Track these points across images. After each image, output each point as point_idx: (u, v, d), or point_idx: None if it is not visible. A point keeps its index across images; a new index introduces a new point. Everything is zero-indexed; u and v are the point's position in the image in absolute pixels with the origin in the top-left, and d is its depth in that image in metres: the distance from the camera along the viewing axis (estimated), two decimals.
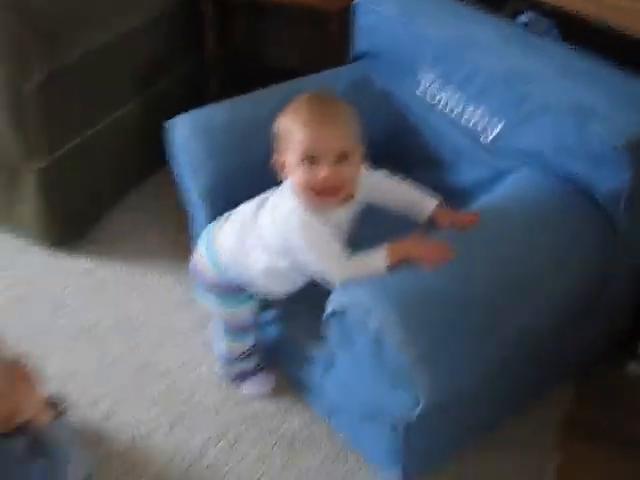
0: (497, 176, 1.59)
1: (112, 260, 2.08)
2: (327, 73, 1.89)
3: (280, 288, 1.50)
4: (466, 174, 1.68)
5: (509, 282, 1.34)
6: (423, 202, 1.44)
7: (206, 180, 1.64)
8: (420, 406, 1.27)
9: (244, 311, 1.57)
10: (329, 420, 1.62)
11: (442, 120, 1.71)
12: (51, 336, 1.84)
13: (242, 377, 1.70)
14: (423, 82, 1.75)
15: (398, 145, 1.81)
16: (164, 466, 1.58)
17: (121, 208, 2.24)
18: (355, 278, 1.30)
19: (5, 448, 1.40)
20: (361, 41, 1.90)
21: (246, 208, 1.48)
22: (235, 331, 1.60)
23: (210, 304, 1.58)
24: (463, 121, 1.67)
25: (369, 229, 1.46)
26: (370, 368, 1.34)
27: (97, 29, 1.99)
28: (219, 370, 1.72)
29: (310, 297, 1.45)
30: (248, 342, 1.64)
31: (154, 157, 1.98)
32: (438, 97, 1.72)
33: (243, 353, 1.65)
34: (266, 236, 1.41)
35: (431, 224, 1.42)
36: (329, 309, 1.33)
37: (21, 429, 1.44)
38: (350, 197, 1.38)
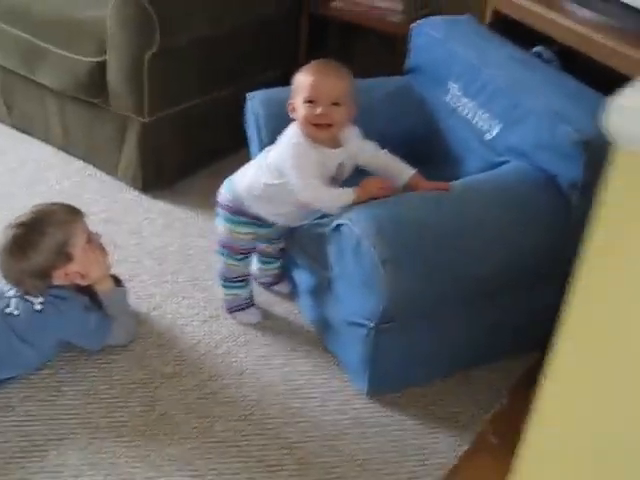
0: (491, 167, 1.98)
1: (186, 207, 2.56)
2: (379, 79, 2.34)
3: (275, 210, 1.91)
4: (470, 165, 2.07)
5: (465, 229, 1.72)
6: (403, 170, 1.87)
7: (264, 137, 2.10)
8: (382, 306, 1.66)
9: (245, 234, 1.98)
10: (322, 337, 2.01)
11: (459, 121, 2.12)
12: (122, 250, 2.31)
13: (237, 308, 2.10)
14: (451, 91, 2.17)
15: (424, 140, 2.22)
16: (186, 349, 2.00)
17: (206, 172, 2.70)
18: (321, 202, 1.75)
19: (77, 298, 1.88)
20: (413, 57, 2.35)
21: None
22: (234, 253, 2.01)
23: (220, 223, 2.00)
24: (474, 123, 2.07)
25: None
26: (352, 276, 1.74)
27: (206, 22, 2.52)
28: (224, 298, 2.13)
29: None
30: (243, 266, 2.04)
31: (241, 136, 2.41)
32: (459, 103, 2.13)
33: (238, 277, 2.06)
34: (270, 157, 1.85)
35: (409, 188, 1.83)
36: (333, 225, 1.74)
37: (87, 288, 1.92)
38: (339, 145, 1.81)
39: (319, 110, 1.75)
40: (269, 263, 2.16)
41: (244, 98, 2.20)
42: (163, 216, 2.52)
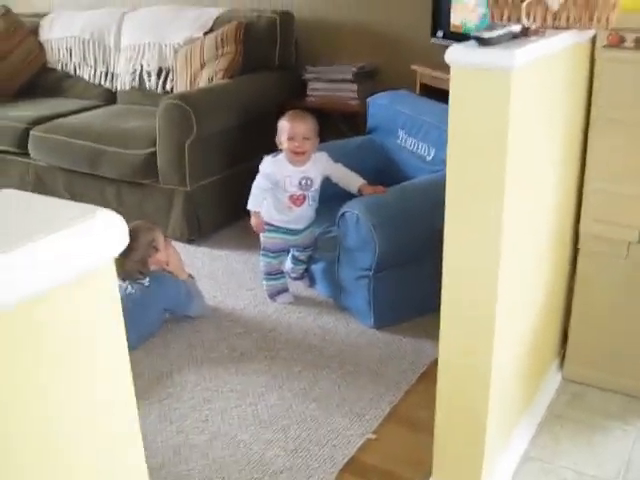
0: None
1: (223, 249, 3.55)
2: (351, 138, 3.43)
3: (280, 217, 2.94)
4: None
5: (419, 205, 2.75)
6: (356, 180, 2.94)
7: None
8: (376, 258, 2.65)
9: (274, 239, 2.99)
10: (338, 299, 2.98)
11: (408, 154, 3.20)
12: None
13: (276, 294, 3.07)
14: (400, 136, 3.25)
15: (386, 169, 3.28)
16: (249, 319, 2.94)
17: (235, 226, 3.72)
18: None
19: (168, 276, 2.84)
20: (370, 120, 3.45)
21: None
22: (270, 252, 3.02)
23: (262, 235, 3.02)
24: (417, 152, 3.14)
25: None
26: (354, 243, 2.73)
27: (232, 115, 3.60)
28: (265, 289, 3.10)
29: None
30: (277, 263, 3.04)
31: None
32: (406, 142, 3.21)
33: (274, 272, 3.04)
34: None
35: (359, 192, 2.89)
36: (340, 212, 2.75)
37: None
38: (307, 162, 2.87)
39: (296, 144, 2.83)
40: (298, 265, 3.13)
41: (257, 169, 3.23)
42: (207, 256, 3.51)
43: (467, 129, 1.69)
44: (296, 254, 3.09)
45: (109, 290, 0.82)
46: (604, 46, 2.15)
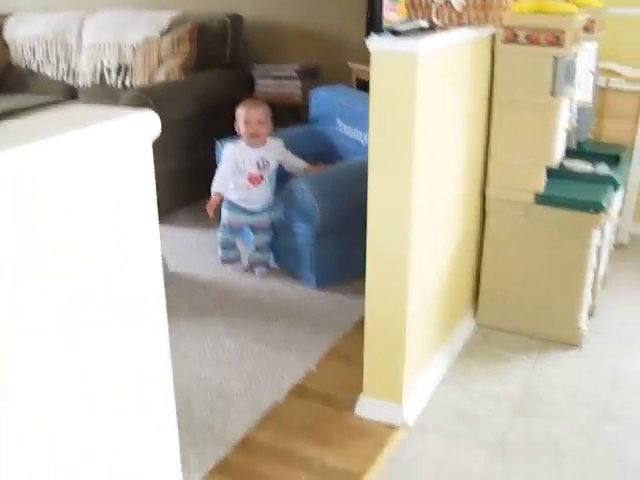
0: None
1: (179, 229, 3.93)
2: (296, 127, 3.85)
3: (236, 191, 3.33)
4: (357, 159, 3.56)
5: (353, 180, 3.18)
6: (301, 163, 3.37)
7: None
8: (318, 222, 3.07)
9: (235, 217, 3.38)
10: (285, 266, 3.39)
11: (345, 140, 3.63)
12: None
13: (229, 261, 3.45)
14: (338, 124, 3.69)
15: (326, 152, 3.71)
16: (215, 284, 3.32)
17: (192, 207, 4.10)
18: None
19: None
20: (313, 111, 3.88)
21: None
22: (228, 229, 3.40)
23: (223, 212, 3.40)
24: (353, 137, 3.57)
25: None
26: (300, 213, 3.15)
27: (188, 107, 3.98)
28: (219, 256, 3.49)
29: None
30: (231, 238, 3.42)
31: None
32: (343, 129, 3.64)
33: (229, 245, 3.42)
34: None
35: (304, 172, 3.31)
36: (287, 188, 3.16)
37: None
38: (263, 144, 3.28)
39: (251, 127, 3.23)
40: (257, 254, 3.45)
41: (214, 157, 3.61)
42: (167, 233, 3.87)
43: (384, 104, 2.12)
44: (255, 242, 3.44)
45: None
46: (502, 41, 2.60)
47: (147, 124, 1.23)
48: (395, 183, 2.16)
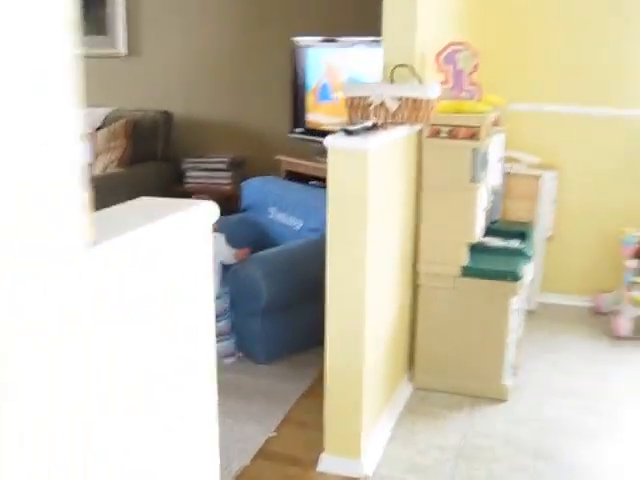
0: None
1: None
2: (231, 216, 4.15)
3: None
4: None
5: (299, 259, 3.49)
6: (232, 251, 3.62)
7: None
8: (264, 300, 3.34)
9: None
10: (240, 346, 3.62)
11: (279, 226, 3.96)
12: None
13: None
14: (271, 212, 4.01)
15: (260, 241, 4.01)
16: None
17: None
18: None
19: None
20: (245, 201, 4.20)
21: None
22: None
23: None
24: (287, 224, 3.90)
25: None
26: (247, 294, 3.41)
27: (123, 198, 4.21)
28: None
29: None
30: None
31: None
32: (277, 217, 3.97)
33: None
34: None
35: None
36: (231, 270, 3.43)
37: None
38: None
39: None
40: (221, 342, 3.64)
41: None
42: None
43: (340, 191, 2.46)
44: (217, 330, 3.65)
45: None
46: (427, 136, 3.02)
47: (210, 211, 1.48)
48: (351, 258, 2.48)
